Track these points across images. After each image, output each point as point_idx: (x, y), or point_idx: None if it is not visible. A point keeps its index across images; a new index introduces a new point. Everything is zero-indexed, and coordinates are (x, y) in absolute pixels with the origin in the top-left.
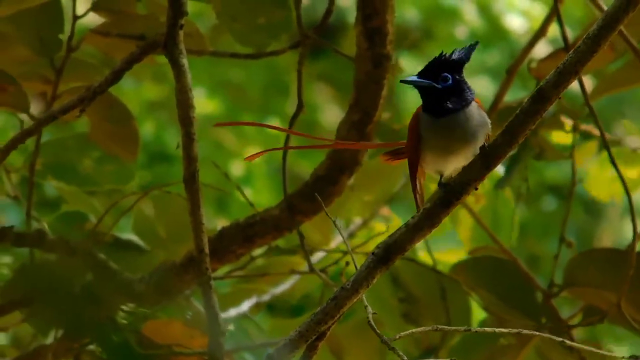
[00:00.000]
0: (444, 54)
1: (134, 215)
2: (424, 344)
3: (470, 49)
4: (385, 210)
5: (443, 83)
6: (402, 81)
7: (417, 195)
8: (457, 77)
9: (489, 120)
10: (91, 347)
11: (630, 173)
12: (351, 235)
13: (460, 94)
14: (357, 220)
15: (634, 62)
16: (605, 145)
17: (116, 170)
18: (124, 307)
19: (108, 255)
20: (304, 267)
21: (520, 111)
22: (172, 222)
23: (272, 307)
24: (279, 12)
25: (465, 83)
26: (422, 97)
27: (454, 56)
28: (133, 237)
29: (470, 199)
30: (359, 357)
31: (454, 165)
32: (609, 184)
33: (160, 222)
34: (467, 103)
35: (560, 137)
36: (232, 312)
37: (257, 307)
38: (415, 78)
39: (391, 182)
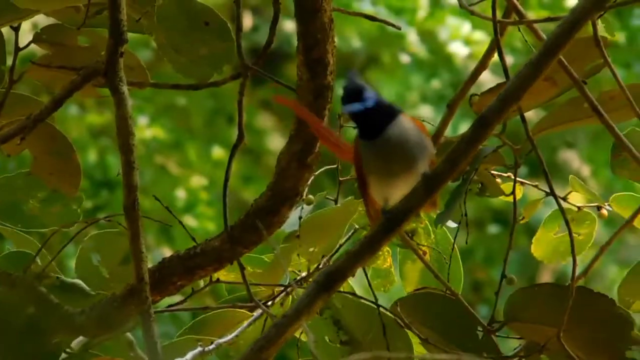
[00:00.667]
0: (347, 84)
1: (76, 257)
2: None
3: (353, 75)
4: (330, 264)
5: (369, 102)
6: (343, 112)
7: (370, 215)
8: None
9: (431, 144)
10: None
11: (577, 232)
12: (290, 281)
13: (385, 109)
14: (303, 273)
15: (578, 98)
16: (556, 200)
17: (62, 212)
18: (65, 346)
19: (55, 297)
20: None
21: (462, 138)
22: (114, 261)
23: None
24: (221, 44)
25: (385, 100)
26: (356, 124)
27: (356, 83)
28: (77, 281)
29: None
30: None
31: (398, 190)
32: (553, 245)
33: (102, 262)
34: (396, 114)
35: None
36: None
37: (201, 356)
38: (350, 107)
39: (337, 233)
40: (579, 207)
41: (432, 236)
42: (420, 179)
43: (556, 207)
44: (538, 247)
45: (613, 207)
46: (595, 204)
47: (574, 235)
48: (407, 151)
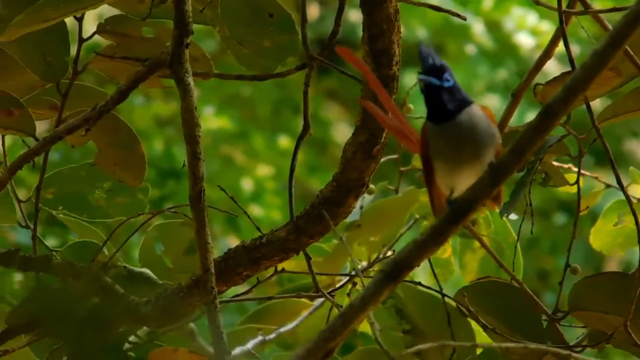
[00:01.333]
0: (429, 57)
1: (140, 247)
2: None
3: (433, 52)
4: (390, 253)
5: (447, 82)
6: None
7: (434, 206)
8: (452, 79)
9: (498, 134)
10: None
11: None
12: (355, 269)
13: (460, 94)
14: (363, 263)
15: None
16: (622, 190)
17: (128, 202)
18: (129, 335)
19: (122, 287)
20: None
21: (528, 128)
22: (178, 251)
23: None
24: (285, 36)
25: (460, 86)
26: (426, 102)
27: (438, 60)
28: (145, 270)
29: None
30: None
31: (464, 179)
32: (612, 236)
33: (166, 252)
34: (468, 103)
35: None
36: (237, 350)
37: (262, 345)
38: (430, 79)
39: (398, 223)
40: (638, 199)
41: (492, 226)
42: (487, 169)
43: (615, 198)
44: (597, 238)
45: None
46: None
47: (632, 226)
48: (477, 138)
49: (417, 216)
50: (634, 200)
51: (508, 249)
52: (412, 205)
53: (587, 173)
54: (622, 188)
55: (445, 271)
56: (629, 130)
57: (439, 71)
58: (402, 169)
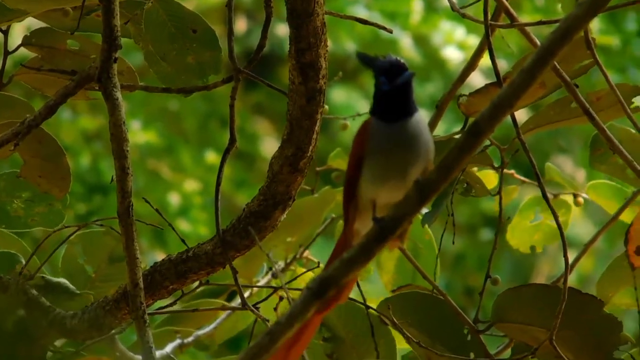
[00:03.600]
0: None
1: (62, 256)
2: None
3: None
4: (307, 253)
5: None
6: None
7: (348, 226)
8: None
9: (433, 147)
10: None
11: (553, 220)
12: (274, 277)
13: (412, 97)
14: (280, 263)
15: (566, 98)
16: (542, 191)
17: (46, 212)
18: (53, 346)
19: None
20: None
21: (455, 146)
22: (100, 260)
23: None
24: (208, 52)
25: None
26: (387, 99)
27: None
28: (63, 280)
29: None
30: None
31: (390, 191)
32: (529, 233)
33: (88, 261)
34: (417, 108)
35: (488, 176)
36: (156, 354)
37: (180, 348)
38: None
39: (314, 223)
40: (555, 195)
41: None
42: (413, 186)
43: (530, 195)
44: (514, 235)
45: (589, 195)
46: (572, 192)
47: (548, 222)
48: (422, 142)
49: (334, 215)
50: (551, 197)
51: (424, 248)
52: (329, 205)
53: (519, 177)
54: (540, 182)
55: (362, 271)
56: (556, 146)
57: (402, 68)
58: (318, 169)
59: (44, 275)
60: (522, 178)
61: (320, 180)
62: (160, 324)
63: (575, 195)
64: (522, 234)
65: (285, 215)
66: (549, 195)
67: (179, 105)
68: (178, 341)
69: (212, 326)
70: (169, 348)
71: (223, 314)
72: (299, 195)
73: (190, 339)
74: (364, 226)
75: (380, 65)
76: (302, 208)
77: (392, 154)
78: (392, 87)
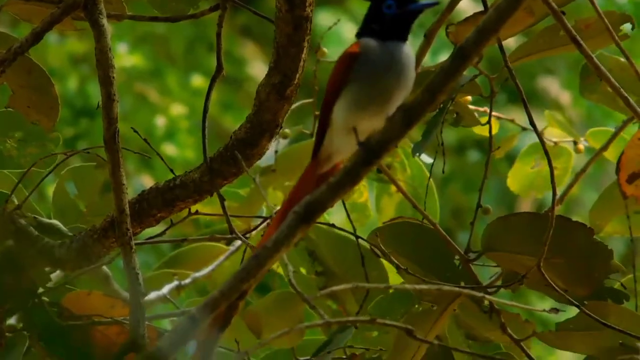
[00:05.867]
0: None
1: (54, 190)
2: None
3: None
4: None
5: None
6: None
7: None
8: None
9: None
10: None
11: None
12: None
13: None
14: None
15: (554, 26)
16: (536, 132)
17: (39, 153)
18: (44, 281)
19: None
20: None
21: (440, 69)
22: (91, 194)
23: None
24: None
25: None
26: (384, 20)
27: None
28: (55, 222)
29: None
30: (278, 329)
31: (372, 116)
32: (529, 179)
33: (80, 196)
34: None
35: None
36: (153, 295)
37: (178, 290)
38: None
39: None
40: (555, 142)
41: (408, 170)
42: (398, 110)
43: (532, 141)
44: (514, 181)
45: (589, 141)
46: (572, 139)
47: (547, 169)
48: (411, 70)
49: None
50: (550, 144)
51: (425, 193)
52: None
53: (503, 116)
54: (537, 131)
55: (362, 215)
56: (542, 67)
57: None
58: (317, 112)
59: (36, 216)
60: (522, 125)
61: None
62: (159, 266)
63: (575, 142)
64: (522, 179)
65: (272, 144)
66: (549, 143)
67: (165, 29)
68: (175, 283)
69: (210, 268)
70: (165, 289)
71: (222, 256)
72: (298, 139)
73: (187, 280)
74: (339, 152)
75: None
76: (300, 152)
77: (382, 75)
78: (406, 11)
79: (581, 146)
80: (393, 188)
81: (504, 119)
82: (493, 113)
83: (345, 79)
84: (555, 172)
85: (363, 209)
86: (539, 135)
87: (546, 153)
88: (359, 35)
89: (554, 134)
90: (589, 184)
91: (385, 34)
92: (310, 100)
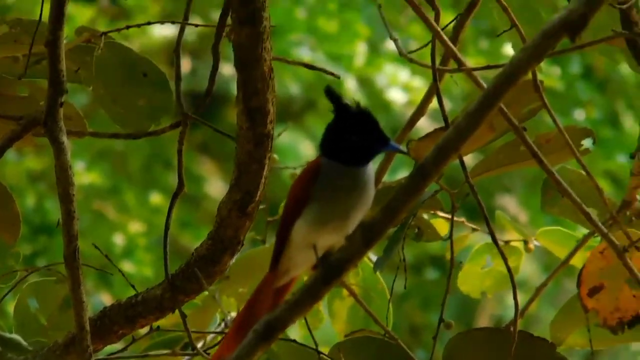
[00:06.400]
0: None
1: (15, 305)
2: None
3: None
4: None
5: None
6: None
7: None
8: None
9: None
10: None
11: (503, 267)
12: (226, 326)
13: None
14: (232, 314)
15: (515, 141)
16: (492, 236)
17: None
18: None
19: None
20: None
21: (400, 188)
22: (52, 308)
23: None
24: (159, 95)
25: None
26: (346, 146)
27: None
28: (15, 336)
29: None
30: None
31: (331, 234)
32: (480, 279)
33: (41, 310)
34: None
35: (439, 223)
36: None
37: None
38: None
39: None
40: (506, 242)
41: (361, 274)
42: (358, 229)
43: (481, 242)
44: (465, 281)
45: (540, 241)
46: (522, 239)
47: (499, 268)
48: (370, 192)
49: None
50: (502, 243)
51: (377, 297)
52: None
53: (469, 224)
54: (490, 229)
55: (315, 320)
56: (500, 186)
57: (378, 126)
58: (269, 219)
59: None
60: (473, 226)
61: (271, 230)
62: None
63: (525, 242)
64: (473, 279)
65: (234, 260)
66: (500, 242)
67: (123, 146)
68: None
69: None
70: None
71: None
72: (251, 244)
73: None
74: (297, 266)
75: (351, 114)
76: (254, 258)
77: (343, 197)
78: (371, 146)
79: (531, 245)
80: (345, 292)
81: (456, 222)
82: (456, 219)
83: (305, 196)
84: (505, 272)
85: (316, 313)
86: (493, 233)
87: (501, 252)
88: (321, 151)
89: (505, 235)
90: (545, 298)
91: (349, 159)
92: (263, 206)
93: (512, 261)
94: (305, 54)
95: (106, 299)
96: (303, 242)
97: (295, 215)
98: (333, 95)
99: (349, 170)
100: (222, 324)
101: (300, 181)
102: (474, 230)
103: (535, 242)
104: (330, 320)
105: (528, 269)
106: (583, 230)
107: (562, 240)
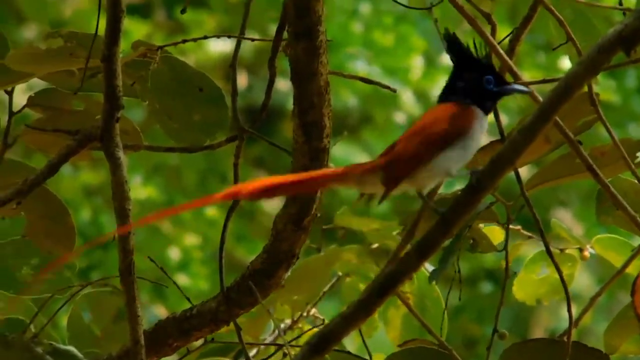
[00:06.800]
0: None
1: (68, 316)
2: None
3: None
4: (314, 311)
5: None
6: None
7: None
8: None
9: None
10: None
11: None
12: (280, 335)
13: None
14: (287, 321)
15: (570, 154)
16: (545, 246)
17: (55, 279)
18: None
19: None
20: None
21: (455, 200)
22: (106, 320)
23: None
24: (214, 110)
25: None
26: (493, 96)
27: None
28: (71, 348)
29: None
30: None
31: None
32: (535, 287)
33: (94, 321)
34: None
35: (494, 232)
36: None
37: None
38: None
39: (321, 281)
40: (561, 250)
41: (415, 283)
42: (413, 246)
43: (536, 250)
44: (520, 289)
45: (595, 249)
46: (578, 247)
47: (555, 276)
48: None
49: (340, 274)
50: (556, 251)
51: (432, 306)
52: (335, 263)
53: (524, 231)
54: (544, 239)
55: (369, 328)
56: (556, 199)
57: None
58: (324, 227)
59: (52, 342)
60: (528, 233)
61: (326, 239)
62: None
63: (580, 250)
64: (528, 287)
65: (289, 273)
66: (556, 250)
67: (179, 160)
68: None
69: None
70: None
71: None
72: (306, 253)
73: None
74: (411, 182)
75: (484, 63)
76: (309, 266)
77: (477, 143)
78: (502, 90)
79: (587, 253)
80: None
81: (522, 235)
82: (511, 227)
83: (465, 131)
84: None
85: (370, 322)
86: (546, 243)
87: (553, 260)
88: (462, 97)
89: (559, 242)
90: (599, 312)
91: (485, 108)
92: (317, 215)
93: (567, 269)
94: (361, 67)
95: (161, 311)
96: (440, 169)
97: (446, 143)
98: (455, 43)
99: (485, 120)
100: (275, 332)
101: (467, 117)
102: (529, 237)
103: (591, 250)
104: (384, 329)
105: (582, 282)
106: (638, 239)
107: (617, 248)
